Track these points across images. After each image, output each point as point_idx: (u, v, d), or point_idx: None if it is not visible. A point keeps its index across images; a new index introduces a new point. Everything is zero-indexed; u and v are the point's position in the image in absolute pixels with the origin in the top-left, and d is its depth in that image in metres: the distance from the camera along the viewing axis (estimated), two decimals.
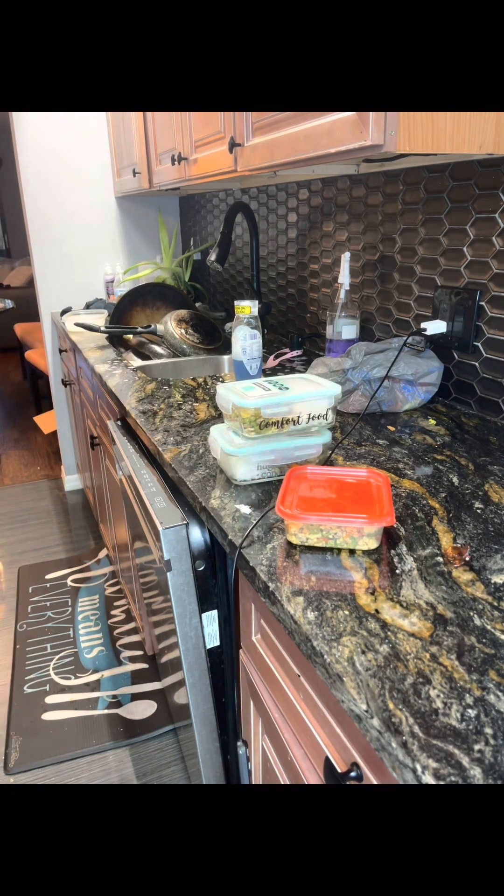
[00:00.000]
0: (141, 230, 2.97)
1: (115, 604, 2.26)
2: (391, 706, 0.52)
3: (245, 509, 0.88)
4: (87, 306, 2.69)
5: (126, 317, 2.21)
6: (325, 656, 0.59)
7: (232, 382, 1.02)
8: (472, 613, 0.64)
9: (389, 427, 1.21)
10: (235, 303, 1.39)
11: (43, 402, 4.64)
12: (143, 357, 2.08)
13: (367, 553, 0.76)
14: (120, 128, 2.50)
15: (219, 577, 0.98)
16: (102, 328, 2.05)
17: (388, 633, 0.62)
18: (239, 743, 1.03)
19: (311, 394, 0.95)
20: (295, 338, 1.85)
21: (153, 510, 1.00)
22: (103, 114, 2.80)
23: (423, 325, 1.31)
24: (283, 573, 0.72)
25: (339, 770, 0.64)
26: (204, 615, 0.99)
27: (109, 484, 2.05)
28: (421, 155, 1.14)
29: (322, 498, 0.81)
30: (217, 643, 1.02)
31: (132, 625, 2.14)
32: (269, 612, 0.82)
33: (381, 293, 1.56)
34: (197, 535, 0.96)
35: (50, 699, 1.81)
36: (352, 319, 1.52)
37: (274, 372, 1.67)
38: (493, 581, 0.70)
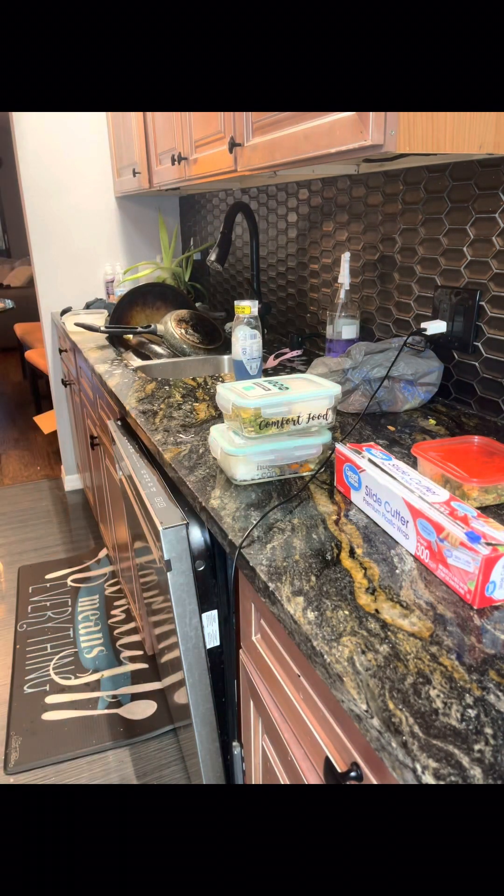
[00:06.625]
0: (141, 230, 2.97)
1: (115, 604, 2.26)
2: (391, 706, 0.52)
3: (245, 509, 0.88)
4: (87, 306, 2.69)
5: (126, 317, 2.21)
6: (325, 656, 0.59)
7: (232, 382, 1.02)
8: (472, 613, 0.64)
9: (389, 427, 1.21)
10: (235, 303, 1.39)
11: (43, 402, 4.64)
12: (143, 357, 2.08)
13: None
14: (120, 128, 2.50)
15: (219, 577, 0.98)
16: (102, 328, 2.05)
17: (388, 633, 0.62)
18: (234, 743, 1.03)
19: (311, 394, 0.95)
20: (295, 338, 1.85)
21: (153, 510, 1.00)
22: (103, 114, 2.80)
23: (423, 325, 1.31)
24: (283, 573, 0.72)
25: (339, 770, 0.64)
26: (204, 615, 0.99)
27: (109, 484, 2.05)
28: (421, 155, 1.14)
29: (472, 464, 0.89)
30: (217, 643, 1.02)
31: (132, 625, 2.14)
32: (269, 612, 0.82)
33: (381, 293, 1.56)
34: (197, 535, 0.96)
35: (50, 699, 1.81)
36: (352, 319, 1.52)
37: (274, 372, 1.67)
38: None
